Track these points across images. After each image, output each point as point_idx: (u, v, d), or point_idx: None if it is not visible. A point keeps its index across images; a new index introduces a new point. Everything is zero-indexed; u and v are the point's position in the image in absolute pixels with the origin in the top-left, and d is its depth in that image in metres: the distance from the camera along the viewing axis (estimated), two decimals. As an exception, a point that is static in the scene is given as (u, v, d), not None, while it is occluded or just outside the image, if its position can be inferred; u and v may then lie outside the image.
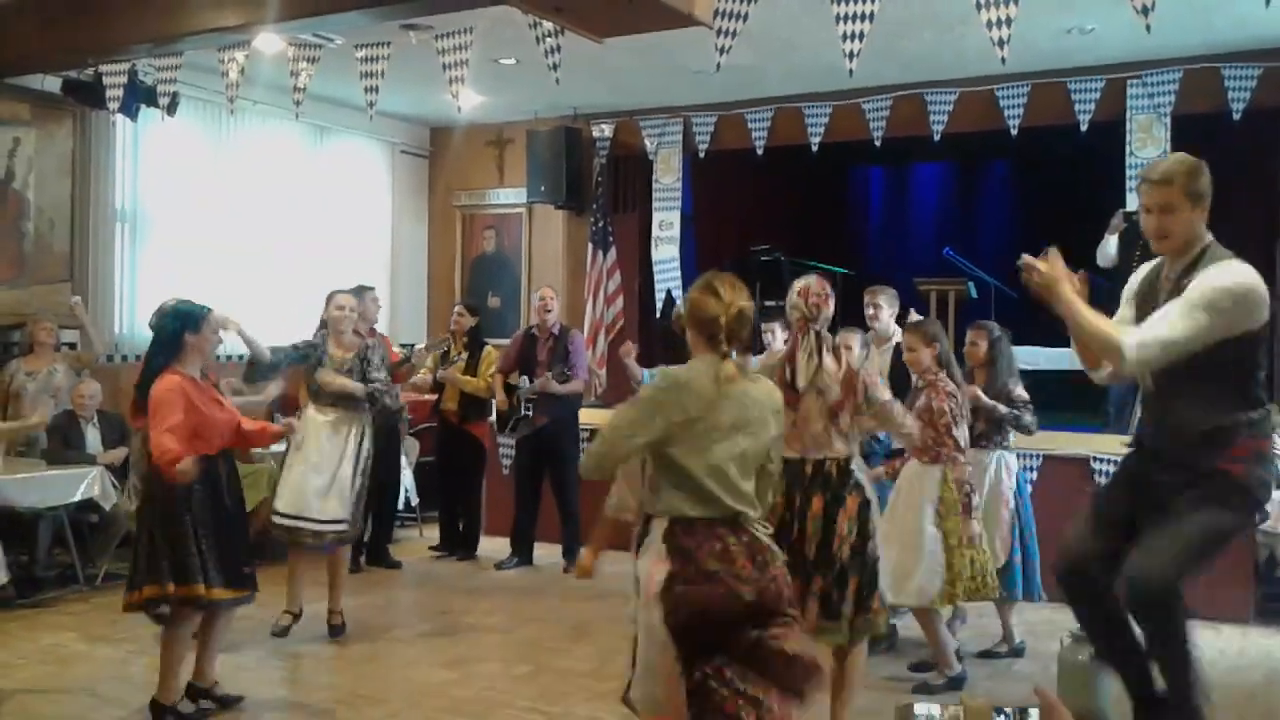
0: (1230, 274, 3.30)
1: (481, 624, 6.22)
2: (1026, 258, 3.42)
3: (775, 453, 3.32)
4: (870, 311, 6.21)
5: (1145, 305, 3.54)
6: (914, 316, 6.39)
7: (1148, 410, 3.66)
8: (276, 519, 5.64)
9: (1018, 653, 5.63)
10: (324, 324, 6.04)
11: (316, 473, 5.63)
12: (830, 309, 4.31)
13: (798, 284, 4.34)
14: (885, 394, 4.31)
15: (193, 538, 4.42)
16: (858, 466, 4.24)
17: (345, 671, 5.36)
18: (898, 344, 5.86)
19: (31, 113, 7.63)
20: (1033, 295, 3.44)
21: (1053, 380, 7.22)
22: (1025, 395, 5.58)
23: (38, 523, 6.57)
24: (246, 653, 5.54)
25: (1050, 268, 3.38)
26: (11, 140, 7.53)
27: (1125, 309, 3.68)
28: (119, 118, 7.66)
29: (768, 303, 8.46)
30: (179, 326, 4.54)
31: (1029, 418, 5.54)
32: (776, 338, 6.84)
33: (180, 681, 4.60)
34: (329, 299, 6.03)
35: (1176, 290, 3.38)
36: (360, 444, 5.78)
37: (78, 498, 6.52)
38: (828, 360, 4.22)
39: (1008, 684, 5.33)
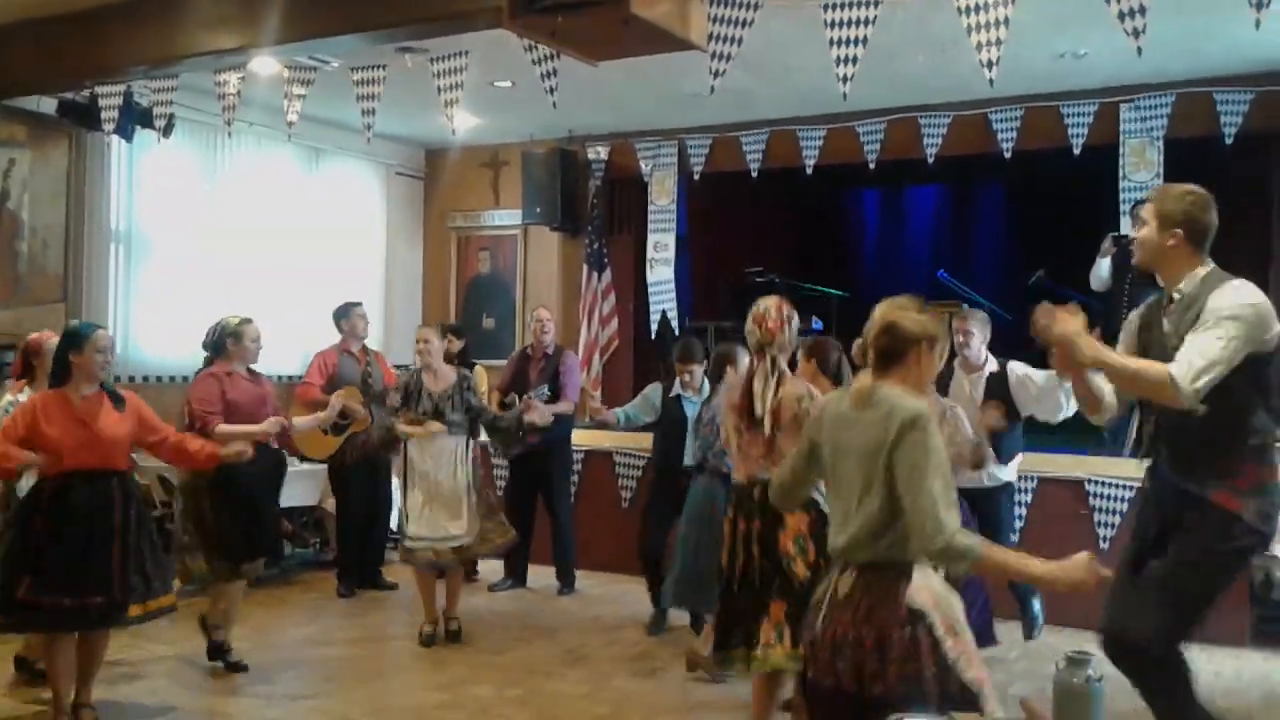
0: (1243, 292, 3.30)
1: (474, 646, 6.19)
2: (1043, 310, 3.33)
3: None
4: (960, 339, 5.77)
5: (1145, 335, 3.52)
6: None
7: (1156, 439, 3.53)
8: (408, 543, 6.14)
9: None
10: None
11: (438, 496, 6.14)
12: (787, 334, 4.28)
13: (754, 309, 4.33)
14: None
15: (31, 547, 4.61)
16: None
17: (337, 694, 5.33)
18: (991, 373, 5.73)
19: (27, 134, 7.63)
20: (1041, 340, 3.37)
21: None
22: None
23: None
24: (239, 676, 5.52)
25: (1066, 323, 3.29)
26: (6, 161, 7.53)
27: (1124, 342, 3.63)
28: (114, 139, 7.66)
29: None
30: (64, 347, 4.74)
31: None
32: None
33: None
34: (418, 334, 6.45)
35: (1180, 318, 3.35)
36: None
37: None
38: (783, 388, 4.20)
39: (1004, 706, 5.29)
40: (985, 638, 4.55)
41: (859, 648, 2.71)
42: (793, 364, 4.51)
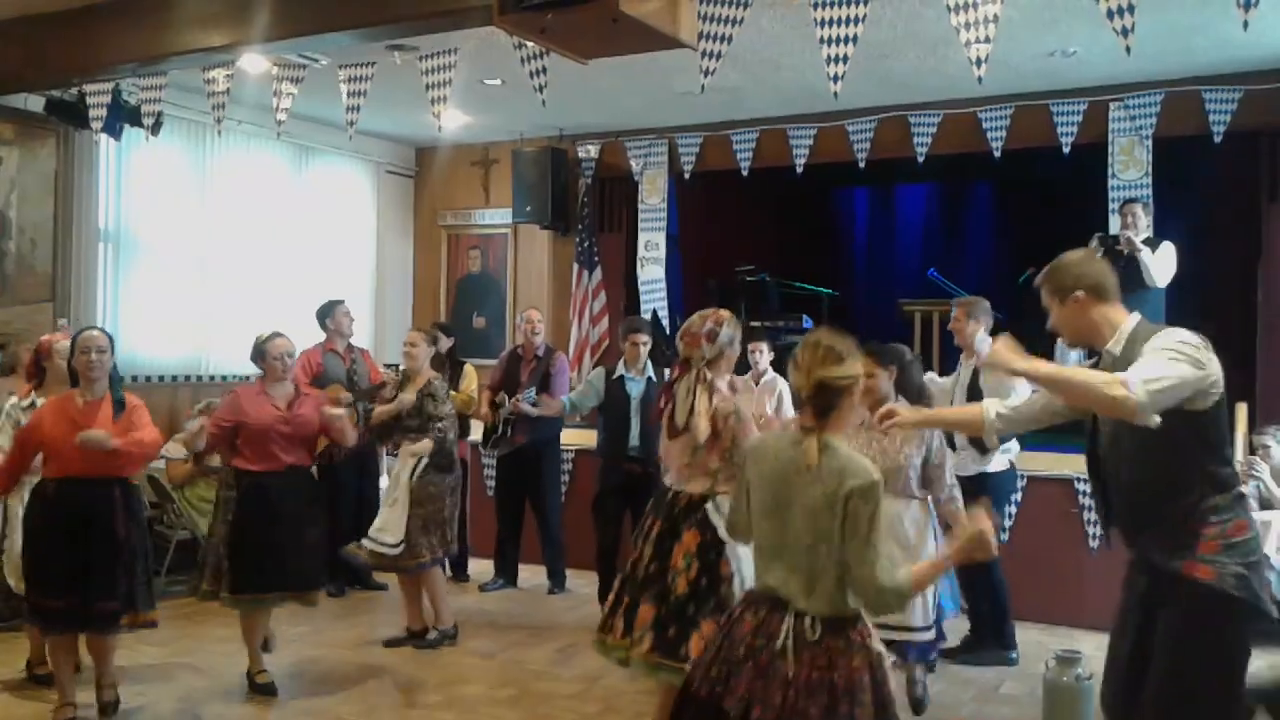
0: (1181, 332, 3.02)
1: (465, 646, 6.18)
2: (998, 345, 3.17)
3: None
4: (952, 326, 5.96)
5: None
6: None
7: (1107, 505, 3.28)
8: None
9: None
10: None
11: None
12: (708, 348, 4.27)
13: (685, 324, 4.37)
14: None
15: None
16: (712, 507, 4.14)
17: (328, 695, 5.32)
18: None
19: (14, 132, 7.60)
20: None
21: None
22: None
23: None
24: (219, 677, 5.50)
25: (999, 351, 3.15)
26: (-6, 160, 7.51)
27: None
28: (103, 137, 7.64)
29: (753, 323, 8.48)
30: (70, 351, 4.85)
31: None
32: (763, 356, 6.86)
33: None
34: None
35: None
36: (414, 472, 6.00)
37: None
38: (703, 400, 4.21)
39: (995, 705, 5.32)
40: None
41: (830, 691, 2.80)
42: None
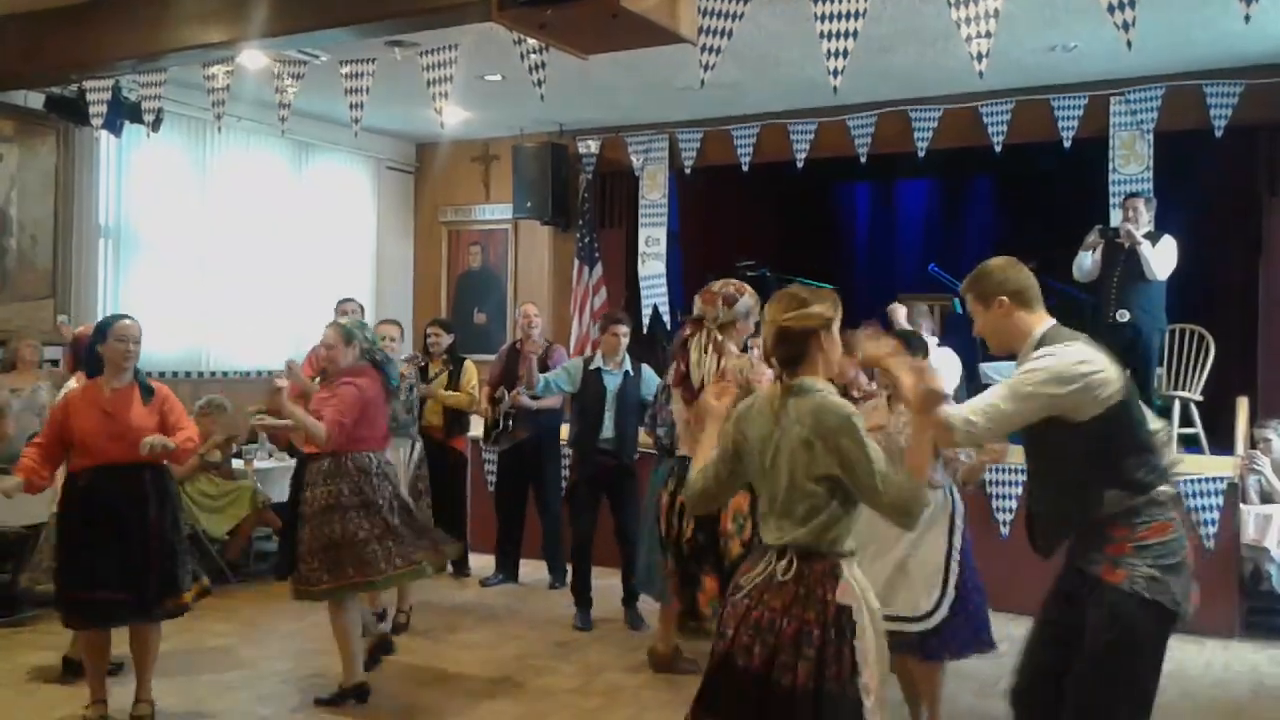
0: (1045, 359, 3.03)
1: (465, 641, 6.18)
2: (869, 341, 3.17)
3: None
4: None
5: None
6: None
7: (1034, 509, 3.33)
8: None
9: None
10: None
11: None
12: (724, 310, 4.27)
13: (708, 285, 4.36)
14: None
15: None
16: None
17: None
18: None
19: (14, 129, 7.60)
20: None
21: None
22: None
23: (21, 541, 6.50)
24: (232, 673, 5.51)
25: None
26: (-6, 156, 7.51)
27: None
28: (103, 134, 7.64)
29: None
30: (93, 340, 4.77)
31: None
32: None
33: None
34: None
35: None
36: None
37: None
38: (712, 363, 4.19)
39: (994, 701, 5.31)
40: (984, 644, 4.54)
41: (778, 635, 2.77)
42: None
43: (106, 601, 4.56)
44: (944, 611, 4.40)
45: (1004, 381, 3.10)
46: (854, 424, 2.80)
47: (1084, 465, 3.05)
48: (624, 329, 6.54)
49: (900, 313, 7.64)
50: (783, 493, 2.88)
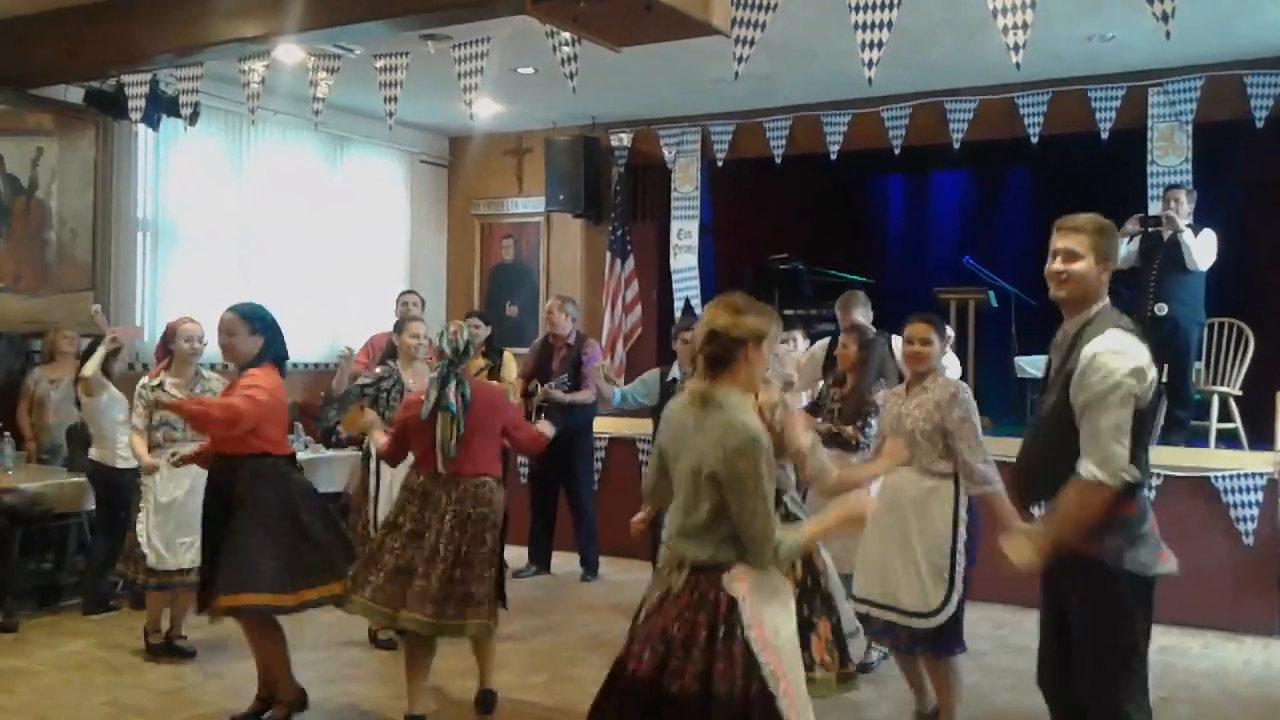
0: (1110, 372, 3.04)
1: (498, 632, 6.19)
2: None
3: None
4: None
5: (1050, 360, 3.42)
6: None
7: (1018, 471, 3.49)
8: None
9: None
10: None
11: None
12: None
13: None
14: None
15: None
16: (790, 500, 4.19)
17: (361, 679, 5.37)
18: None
19: (54, 123, 7.69)
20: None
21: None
22: (876, 403, 5.23)
23: (64, 531, 6.61)
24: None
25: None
26: (34, 150, 7.59)
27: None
28: (141, 128, 7.72)
29: (786, 312, 8.42)
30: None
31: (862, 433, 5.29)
32: (798, 345, 6.81)
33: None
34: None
35: (1071, 350, 3.18)
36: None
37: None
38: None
39: (1031, 696, 5.27)
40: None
41: (669, 641, 2.82)
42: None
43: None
44: (953, 608, 4.36)
45: (1088, 403, 3.07)
46: (756, 449, 2.78)
47: (1066, 438, 3.12)
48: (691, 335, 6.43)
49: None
50: (682, 503, 2.91)
